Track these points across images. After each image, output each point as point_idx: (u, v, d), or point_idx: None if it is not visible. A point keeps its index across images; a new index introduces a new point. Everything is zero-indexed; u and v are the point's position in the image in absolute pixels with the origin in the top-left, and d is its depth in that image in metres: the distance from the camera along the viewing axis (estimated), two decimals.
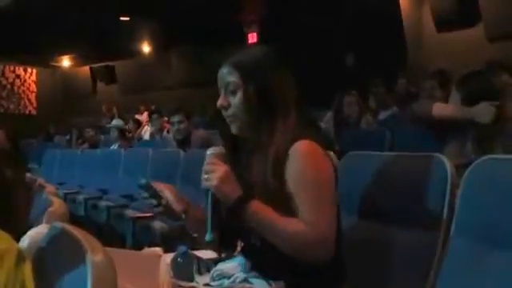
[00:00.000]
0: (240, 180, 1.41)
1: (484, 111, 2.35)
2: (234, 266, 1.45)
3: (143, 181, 1.54)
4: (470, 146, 2.36)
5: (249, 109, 1.44)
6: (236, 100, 1.45)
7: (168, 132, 6.29)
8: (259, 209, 1.36)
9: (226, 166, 1.40)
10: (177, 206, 1.50)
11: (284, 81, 1.48)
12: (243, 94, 1.44)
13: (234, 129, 1.49)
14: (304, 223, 1.33)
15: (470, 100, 2.44)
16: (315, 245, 1.33)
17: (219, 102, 1.48)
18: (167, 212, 1.51)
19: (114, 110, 11.88)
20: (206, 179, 1.38)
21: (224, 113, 1.48)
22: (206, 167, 1.40)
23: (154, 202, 1.52)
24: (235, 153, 1.50)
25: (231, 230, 1.48)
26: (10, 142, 2.33)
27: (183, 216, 1.50)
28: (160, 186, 1.54)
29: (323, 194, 1.38)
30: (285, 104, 1.45)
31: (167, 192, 1.52)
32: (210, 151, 1.45)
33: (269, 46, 1.54)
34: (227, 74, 1.47)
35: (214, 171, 1.38)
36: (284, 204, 1.36)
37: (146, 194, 1.54)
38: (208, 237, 1.37)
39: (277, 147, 1.40)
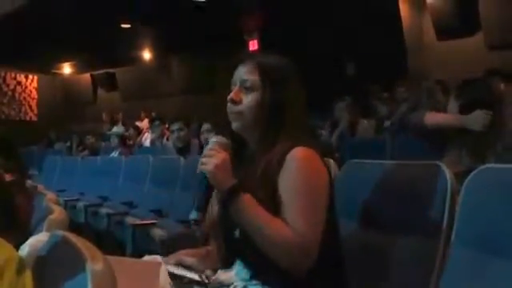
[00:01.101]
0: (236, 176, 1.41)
1: (476, 119, 2.36)
2: (233, 274, 1.45)
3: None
4: (465, 154, 2.35)
5: (260, 112, 1.44)
6: (249, 98, 1.45)
7: (167, 139, 6.30)
8: (249, 203, 1.35)
9: (225, 153, 1.40)
10: (200, 266, 1.52)
11: (298, 94, 1.49)
12: (260, 96, 1.44)
13: (235, 125, 1.48)
14: (290, 229, 1.33)
15: (467, 106, 2.43)
16: (297, 252, 1.32)
17: (231, 96, 1.47)
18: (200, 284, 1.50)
19: (120, 115, 11.89)
20: (203, 163, 1.38)
21: (231, 107, 1.47)
22: (205, 152, 1.41)
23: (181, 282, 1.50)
24: (235, 153, 1.49)
25: (230, 240, 1.48)
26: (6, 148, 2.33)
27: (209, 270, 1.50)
28: (178, 257, 1.55)
29: (314, 202, 1.37)
30: (294, 117, 1.45)
31: (187, 258, 1.54)
32: (213, 139, 1.45)
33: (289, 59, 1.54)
34: (248, 72, 1.47)
35: (213, 157, 1.38)
36: (272, 211, 1.36)
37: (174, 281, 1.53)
38: (193, 215, 1.38)
39: (271, 157, 1.40)
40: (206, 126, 4.61)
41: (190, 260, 1.53)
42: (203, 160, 1.39)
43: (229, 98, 1.47)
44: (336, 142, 4.79)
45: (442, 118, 2.56)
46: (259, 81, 1.45)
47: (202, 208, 1.40)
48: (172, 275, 1.47)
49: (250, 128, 1.47)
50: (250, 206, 1.35)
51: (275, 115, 1.44)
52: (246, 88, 1.46)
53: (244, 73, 1.47)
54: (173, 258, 1.57)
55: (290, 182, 1.37)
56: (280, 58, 1.53)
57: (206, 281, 1.45)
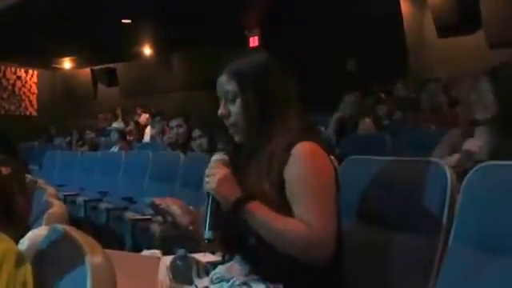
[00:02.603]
0: (240, 183, 1.42)
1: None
2: (232, 269, 1.45)
3: (149, 200, 1.57)
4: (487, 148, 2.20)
5: (247, 116, 1.46)
6: (235, 108, 1.48)
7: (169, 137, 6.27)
8: (258, 209, 1.37)
9: (226, 169, 1.42)
10: (184, 219, 1.53)
11: (282, 85, 1.49)
12: (241, 102, 1.46)
13: (237, 139, 1.51)
14: (303, 223, 1.34)
15: (504, 91, 2.22)
16: (314, 245, 1.33)
17: (220, 111, 1.50)
18: (174, 226, 1.53)
19: (118, 111, 11.89)
20: (207, 182, 1.42)
21: (225, 122, 1.51)
22: (207, 171, 1.44)
23: (160, 219, 1.55)
24: (234, 156, 1.51)
25: (232, 234, 1.48)
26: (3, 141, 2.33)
27: (190, 228, 1.52)
28: (167, 202, 1.58)
29: (324, 195, 1.39)
30: (283, 109, 1.47)
31: (174, 207, 1.56)
32: (214, 157, 1.48)
33: (266, 51, 1.55)
34: (225, 83, 1.49)
35: (214, 174, 1.41)
36: (279, 206, 1.37)
37: (152, 212, 1.57)
38: (206, 235, 1.40)
39: (272, 150, 1.41)
40: (197, 133, 4.49)
41: (176, 210, 1.56)
42: (207, 179, 1.42)
43: (219, 114, 1.51)
44: (333, 131, 4.74)
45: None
46: (237, 88, 1.46)
47: (214, 226, 1.41)
48: (157, 210, 1.57)
49: (248, 134, 1.49)
50: (259, 211, 1.37)
51: (261, 111, 1.45)
52: (230, 100, 1.48)
53: (223, 84, 1.49)
54: (162, 200, 1.60)
55: (299, 177, 1.38)
56: (252, 56, 1.54)
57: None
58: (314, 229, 1.33)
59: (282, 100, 1.47)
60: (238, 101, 1.47)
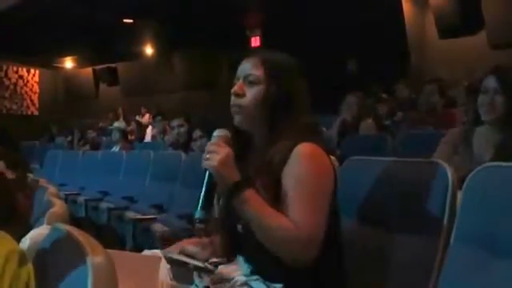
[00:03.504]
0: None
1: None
2: (233, 269, 1.45)
3: (167, 255, 1.51)
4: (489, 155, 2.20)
5: (262, 106, 1.45)
6: (253, 92, 1.46)
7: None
8: (252, 198, 1.36)
9: (229, 148, 1.40)
10: (203, 254, 1.52)
11: (301, 91, 1.50)
12: (263, 90, 1.45)
13: (237, 119, 1.49)
14: (291, 221, 1.33)
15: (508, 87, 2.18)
16: (297, 245, 1.33)
17: (235, 88, 1.48)
18: (199, 268, 1.50)
19: (120, 110, 11.90)
20: (207, 159, 1.38)
21: (234, 100, 1.48)
22: (209, 147, 1.40)
23: (186, 269, 1.51)
24: (234, 144, 1.49)
25: (234, 234, 1.48)
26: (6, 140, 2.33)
27: (214, 258, 1.51)
28: (182, 245, 1.56)
29: (317, 197, 1.38)
30: (296, 112, 1.46)
31: (189, 247, 1.54)
32: (216, 133, 1.45)
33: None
34: (252, 67, 1.48)
35: (217, 152, 1.38)
36: (275, 204, 1.37)
37: (173, 268, 1.53)
38: (198, 214, 1.37)
39: (276, 150, 1.41)
40: (197, 133, 4.46)
41: (192, 249, 1.54)
42: (207, 156, 1.39)
43: (232, 91, 1.48)
44: (336, 132, 4.72)
45: None
46: (263, 75, 1.46)
47: (207, 207, 1.39)
48: (176, 262, 1.48)
49: (251, 122, 1.48)
50: (253, 200, 1.36)
51: (278, 110, 1.45)
52: (250, 82, 1.47)
53: (248, 68, 1.48)
54: (176, 247, 1.59)
55: (296, 177, 1.38)
56: (284, 55, 1.54)
57: (210, 267, 1.45)
58: (300, 228, 1.32)
59: (297, 101, 1.47)
60: (259, 87, 1.46)
